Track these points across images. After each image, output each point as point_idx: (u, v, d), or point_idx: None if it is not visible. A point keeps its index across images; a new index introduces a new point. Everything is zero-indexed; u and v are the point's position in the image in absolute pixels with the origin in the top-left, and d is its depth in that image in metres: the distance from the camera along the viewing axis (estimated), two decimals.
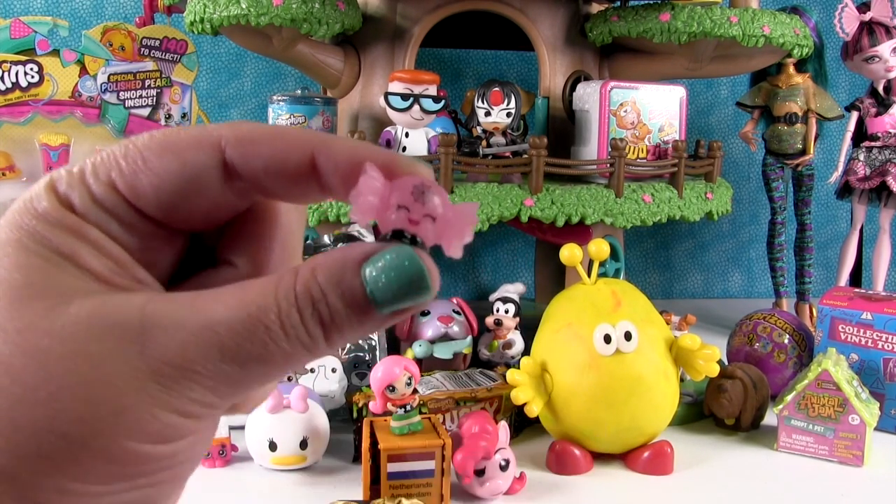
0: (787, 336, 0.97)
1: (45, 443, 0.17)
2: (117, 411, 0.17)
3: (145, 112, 1.15)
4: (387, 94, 0.91)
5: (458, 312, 0.92)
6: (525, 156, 0.92)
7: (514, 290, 0.93)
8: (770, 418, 0.86)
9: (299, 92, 1.02)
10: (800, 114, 1.21)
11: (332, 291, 0.18)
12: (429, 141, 0.93)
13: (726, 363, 0.94)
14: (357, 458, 0.75)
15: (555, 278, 1.14)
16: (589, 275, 0.79)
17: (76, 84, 1.11)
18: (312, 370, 0.83)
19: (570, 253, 0.77)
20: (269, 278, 0.19)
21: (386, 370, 0.68)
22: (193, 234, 0.22)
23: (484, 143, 0.93)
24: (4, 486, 0.17)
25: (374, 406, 0.70)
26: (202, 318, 0.18)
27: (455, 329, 0.89)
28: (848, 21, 1.17)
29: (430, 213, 0.19)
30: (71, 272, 0.18)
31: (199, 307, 0.18)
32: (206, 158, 0.20)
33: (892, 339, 0.87)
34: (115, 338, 0.18)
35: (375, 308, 0.19)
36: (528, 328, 0.88)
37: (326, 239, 0.91)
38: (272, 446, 0.73)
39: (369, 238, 0.19)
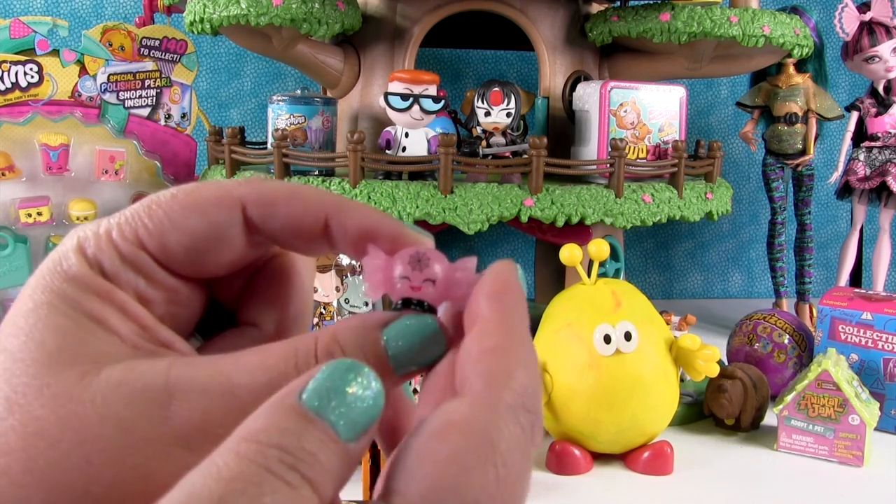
0: (787, 336, 0.97)
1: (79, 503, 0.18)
2: (145, 476, 0.18)
3: (145, 112, 1.15)
4: (386, 94, 0.91)
5: None
6: (525, 156, 0.92)
7: None
8: (770, 418, 0.86)
9: (299, 92, 1.02)
10: (800, 114, 1.21)
11: (355, 355, 0.19)
12: (429, 141, 0.92)
13: (726, 363, 0.94)
14: None
15: (555, 278, 1.14)
16: (589, 275, 0.79)
17: (76, 84, 1.11)
18: None
19: (570, 253, 0.77)
20: (287, 343, 0.20)
21: None
22: (212, 296, 0.24)
23: (484, 143, 0.93)
24: None
25: None
26: (224, 383, 0.19)
27: None
28: (848, 21, 1.17)
29: (429, 278, 0.21)
30: (100, 336, 0.20)
31: (220, 371, 0.19)
32: (229, 217, 0.21)
33: (892, 339, 0.87)
34: (142, 402, 0.18)
35: (394, 368, 0.20)
36: (528, 328, 0.87)
37: None
38: None
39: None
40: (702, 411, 0.90)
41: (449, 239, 1.38)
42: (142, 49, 1.14)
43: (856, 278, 1.39)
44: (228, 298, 0.24)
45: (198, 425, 0.18)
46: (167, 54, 1.15)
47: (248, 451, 0.16)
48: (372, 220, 0.21)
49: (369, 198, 0.89)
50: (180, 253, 0.21)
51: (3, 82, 1.07)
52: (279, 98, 0.99)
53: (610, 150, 0.95)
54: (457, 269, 0.21)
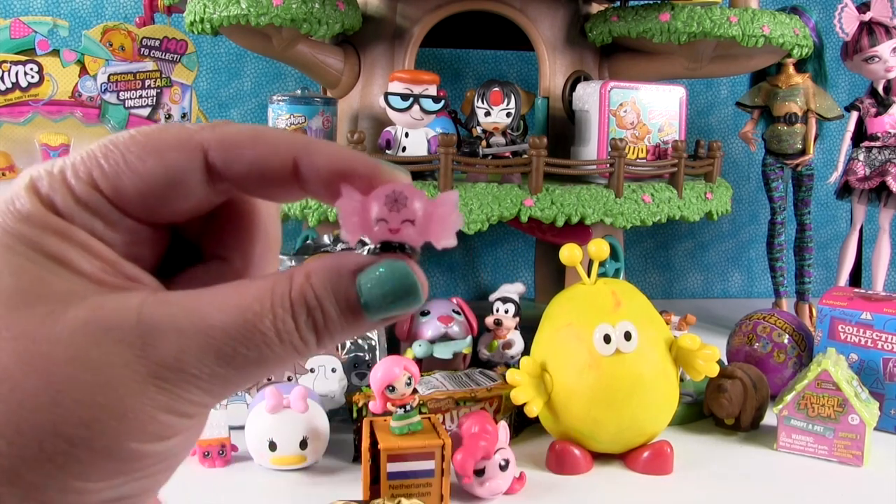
0: (787, 336, 0.97)
1: (48, 445, 0.17)
2: (119, 415, 0.18)
3: (145, 112, 1.15)
4: (387, 94, 0.91)
5: (457, 312, 0.92)
6: (525, 156, 0.92)
7: (514, 290, 0.93)
8: (770, 418, 0.86)
9: (299, 92, 1.02)
10: (799, 114, 1.21)
11: (327, 299, 0.19)
12: (429, 141, 0.93)
13: (726, 363, 0.94)
14: (357, 458, 0.75)
15: (555, 278, 1.14)
16: (589, 275, 0.79)
17: (76, 84, 1.11)
18: (312, 370, 0.83)
19: (570, 253, 0.77)
20: (263, 282, 0.19)
21: (386, 370, 0.68)
22: (175, 230, 0.22)
23: (484, 143, 0.93)
24: (9, 487, 0.17)
25: (373, 406, 0.70)
26: (198, 322, 0.18)
27: (455, 329, 0.89)
28: (848, 21, 1.17)
29: (408, 218, 0.20)
30: (62, 275, 0.18)
31: (195, 310, 0.18)
32: (189, 161, 0.20)
33: (892, 339, 0.87)
34: (113, 341, 0.18)
35: (367, 315, 0.19)
36: (528, 328, 0.88)
37: (326, 239, 0.91)
38: (272, 446, 0.74)
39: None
40: (702, 411, 0.90)
41: None
42: (142, 49, 1.14)
43: (855, 278, 1.39)
44: (192, 233, 0.23)
45: (171, 364, 0.18)
46: (167, 54, 1.15)
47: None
48: (344, 157, 0.20)
49: None
50: (136, 197, 0.20)
51: (3, 82, 1.07)
52: (279, 98, 0.99)
53: (610, 150, 0.95)
54: (437, 205, 0.20)
